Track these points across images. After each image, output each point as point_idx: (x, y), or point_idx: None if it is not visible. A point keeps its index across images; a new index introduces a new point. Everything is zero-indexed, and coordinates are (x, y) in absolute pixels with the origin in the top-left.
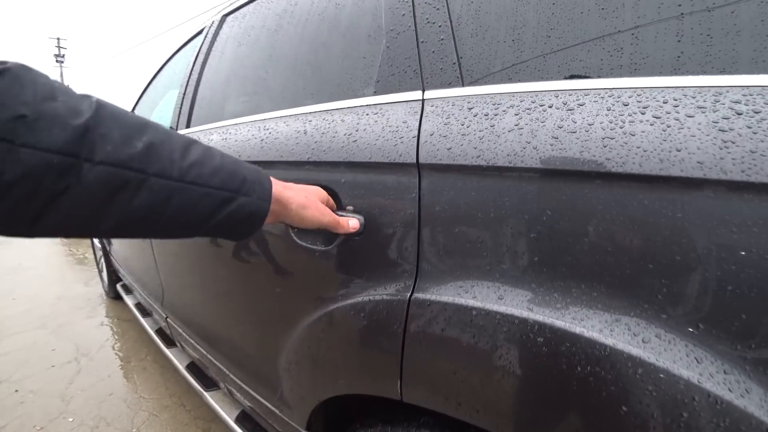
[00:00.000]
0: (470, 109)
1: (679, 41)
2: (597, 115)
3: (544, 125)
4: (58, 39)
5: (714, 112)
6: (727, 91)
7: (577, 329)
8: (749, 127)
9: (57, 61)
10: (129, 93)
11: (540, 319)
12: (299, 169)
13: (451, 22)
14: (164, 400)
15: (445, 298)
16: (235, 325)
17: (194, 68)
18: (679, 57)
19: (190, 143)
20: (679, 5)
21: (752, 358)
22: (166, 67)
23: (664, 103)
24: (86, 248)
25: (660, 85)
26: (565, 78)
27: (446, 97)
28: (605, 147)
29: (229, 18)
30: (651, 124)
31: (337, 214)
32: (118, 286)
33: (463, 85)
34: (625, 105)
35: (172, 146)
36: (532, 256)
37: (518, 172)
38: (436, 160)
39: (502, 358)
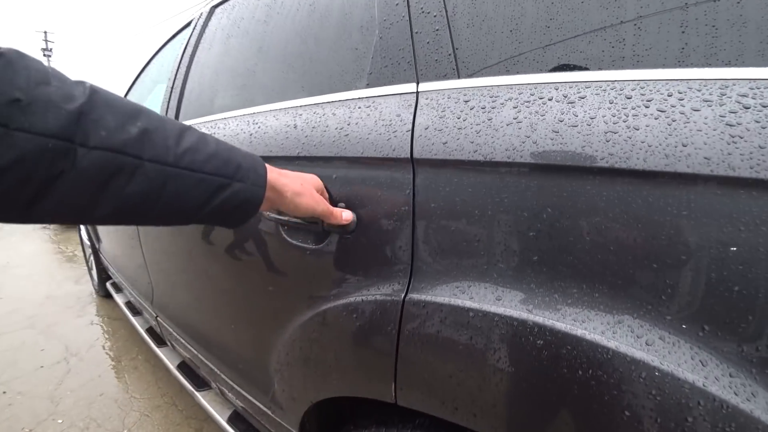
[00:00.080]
0: (466, 102)
1: (683, 32)
2: (599, 108)
3: (544, 119)
4: (45, 32)
5: (721, 105)
6: (734, 84)
7: (579, 331)
8: (757, 122)
9: (44, 54)
10: (117, 87)
11: (540, 320)
12: (290, 164)
13: (446, 11)
14: (156, 399)
15: (440, 299)
16: (225, 324)
17: (182, 61)
18: (683, 49)
19: (185, 129)
20: None
21: (758, 360)
22: (154, 61)
23: (668, 96)
24: (75, 246)
25: (664, 78)
26: (566, 70)
27: (441, 89)
28: (608, 142)
29: (218, 9)
30: (655, 118)
31: None
32: (108, 285)
33: (459, 78)
34: (628, 98)
35: (167, 132)
36: (531, 256)
37: (517, 167)
38: (431, 155)
39: (500, 362)
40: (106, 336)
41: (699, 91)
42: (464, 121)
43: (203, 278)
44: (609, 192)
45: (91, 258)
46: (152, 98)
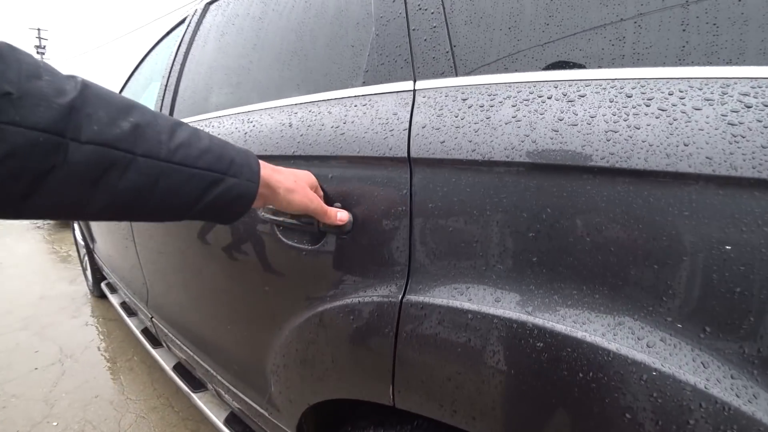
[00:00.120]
0: (464, 100)
1: (684, 30)
2: (599, 107)
3: (544, 117)
4: (39, 30)
5: (722, 104)
6: (735, 83)
7: (579, 333)
8: (759, 121)
9: (38, 52)
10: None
11: (539, 322)
12: (285, 163)
13: (444, 8)
14: (152, 401)
15: (439, 300)
16: (221, 325)
17: (176, 59)
18: (683, 47)
19: (178, 125)
20: None
21: (760, 362)
22: (148, 59)
23: (669, 94)
24: (70, 246)
25: (665, 76)
26: (565, 68)
27: (439, 87)
28: (608, 141)
29: (213, 6)
30: (656, 117)
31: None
32: (103, 285)
33: (456, 75)
34: (629, 96)
35: (159, 127)
36: (530, 256)
37: (516, 167)
38: (428, 154)
39: (499, 364)
40: (101, 337)
41: (700, 89)
42: (462, 119)
43: (198, 279)
44: (610, 192)
45: (86, 258)
46: (146, 96)
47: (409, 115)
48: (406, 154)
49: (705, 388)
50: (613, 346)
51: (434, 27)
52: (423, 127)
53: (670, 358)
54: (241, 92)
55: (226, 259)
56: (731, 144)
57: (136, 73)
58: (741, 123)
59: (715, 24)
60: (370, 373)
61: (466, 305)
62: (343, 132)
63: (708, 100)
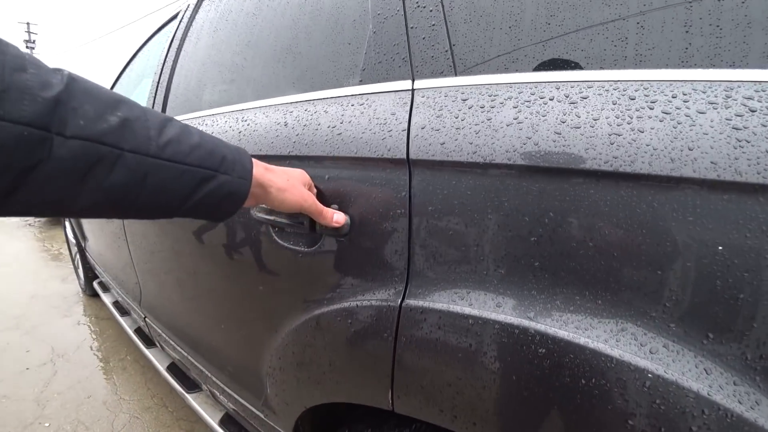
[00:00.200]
0: (464, 100)
1: (687, 32)
2: (602, 109)
3: (546, 119)
4: (28, 24)
5: (726, 108)
6: (739, 87)
7: (581, 339)
8: (764, 126)
9: (27, 47)
10: (103, 81)
11: (541, 328)
12: (279, 163)
13: (443, 6)
14: (145, 401)
15: (439, 305)
16: (216, 326)
17: (169, 55)
18: (686, 49)
19: (168, 120)
20: None
21: (762, 368)
22: (139, 54)
23: (673, 97)
24: (61, 244)
25: (668, 79)
26: (566, 68)
27: (438, 87)
28: (612, 144)
29: (206, 1)
30: (660, 121)
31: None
32: (95, 284)
33: (456, 75)
34: (632, 99)
35: (149, 123)
36: (532, 261)
37: (518, 170)
38: (428, 156)
39: (500, 370)
40: (94, 336)
41: (704, 92)
42: (462, 120)
43: (192, 279)
44: (613, 197)
45: (77, 256)
46: (138, 93)
47: (407, 116)
48: (404, 156)
49: (708, 394)
50: (616, 353)
51: (433, 25)
52: (422, 128)
53: (673, 365)
54: (235, 90)
55: (220, 259)
56: (736, 149)
57: (127, 69)
58: (745, 127)
59: (718, 26)
60: (368, 378)
61: (467, 310)
62: (339, 132)
63: (712, 103)
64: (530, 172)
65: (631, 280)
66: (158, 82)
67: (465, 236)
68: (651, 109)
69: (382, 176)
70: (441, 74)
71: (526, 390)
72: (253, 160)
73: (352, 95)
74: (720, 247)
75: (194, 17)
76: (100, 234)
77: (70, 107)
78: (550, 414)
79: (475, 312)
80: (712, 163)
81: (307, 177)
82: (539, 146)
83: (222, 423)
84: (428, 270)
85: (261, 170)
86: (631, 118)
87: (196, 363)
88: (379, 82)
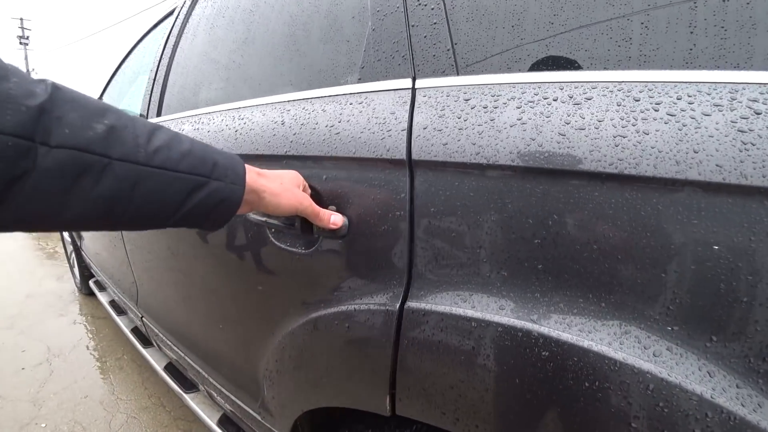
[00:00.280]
0: (467, 100)
1: (691, 33)
2: (607, 110)
3: (550, 120)
4: (22, 20)
5: (731, 110)
6: (744, 88)
7: (585, 342)
8: None
9: (21, 43)
10: (98, 78)
11: (545, 331)
12: (276, 163)
13: (444, 4)
14: (143, 401)
15: (441, 308)
16: (213, 327)
17: (165, 52)
18: (691, 50)
19: (157, 128)
20: None
21: (765, 371)
22: (135, 51)
23: (678, 99)
24: (57, 242)
25: (672, 80)
26: (570, 69)
27: (440, 86)
28: (617, 146)
29: None
30: (665, 123)
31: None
32: (91, 283)
33: (458, 74)
34: (637, 100)
35: (137, 130)
36: (535, 263)
37: (522, 171)
38: (430, 157)
39: (503, 373)
40: (90, 336)
41: (709, 94)
42: (465, 121)
43: (189, 279)
44: (618, 199)
45: (73, 255)
46: (134, 90)
47: (407, 115)
48: (404, 156)
49: (711, 397)
50: (619, 356)
51: (435, 23)
52: (424, 128)
53: (676, 368)
54: (232, 88)
55: (217, 260)
56: (741, 152)
57: (123, 66)
58: (751, 130)
59: (723, 27)
60: (366, 383)
61: (470, 312)
62: (338, 131)
63: (717, 105)
64: (534, 174)
65: (634, 283)
66: (154, 80)
67: (467, 238)
68: (656, 110)
69: (381, 177)
70: (443, 73)
71: (528, 393)
72: (246, 165)
73: (351, 93)
74: (724, 251)
75: (191, 14)
76: (97, 232)
77: (55, 116)
78: (553, 417)
79: (477, 314)
80: (717, 166)
81: (301, 178)
82: (543, 147)
83: (220, 423)
84: (430, 272)
85: (254, 176)
86: (636, 120)
87: (193, 364)
88: (378, 80)
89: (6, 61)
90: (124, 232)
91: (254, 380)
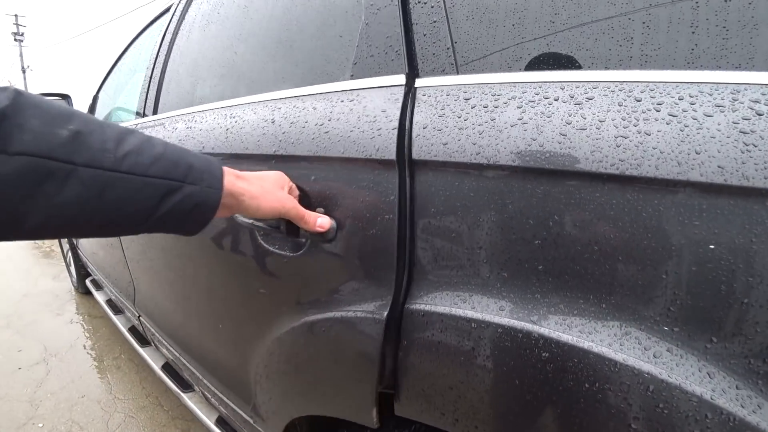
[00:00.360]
0: (467, 100)
1: (693, 32)
2: (608, 111)
3: (551, 120)
4: (16, 16)
5: (733, 111)
6: (745, 89)
7: (585, 343)
8: None
9: (15, 39)
10: (95, 76)
11: (545, 332)
12: (265, 163)
13: (444, 2)
14: (141, 400)
15: (441, 309)
16: (206, 329)
17: (161, 49)
18: (693, 50)
19: (128, 132)
20: None
21: (765, 372)
22: (132, 48)
23: (679, 99)
24: (53, 240)
25: (674, 80)
26: (571, 68)
27: (440, 85)
28: (618, 147)
29: None
30: (667, 123)
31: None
32: (88, 282)
33: (458, 73)
34: (638, 101)
35: (105, 135)
36: (535, 264)
37: (523, 172)
38: (430, 157)
39: (503, 374)
40: (87, 335)
41: (711, 95)
42: (465, 120)
43: (183, 280)
44: (619, 200)
45: (69, 254)
46: (130, 88)
47: (398, 113)
48: (394, 156)
49: (711, 398)
50: (619, 357)
51: (434, 22)
52: (424, 128)
53: (676, 369)
54: (226, 85)
55: (210, 261)
56: (743, 153)
57: (119, 64)
58: (753, 131)
59: (724, 27)
60: (353, 394)
61: (470, 313)
62: (327, 130)
63: (719, 106)
64: (535, 174)
65: (635, 284)
66: (150, 77)
67: (467, 238)
68: (657, 111)
69: (371, 178)
70: (443, 72)
71: (528, 394)
72: (225, 168)
73: (342, 91)
74: (725, 252)
75: (187, 10)
76: None
77: (15, 123)
78: (553, 418)
79: (477, 315)
80: (719, 167)
81: (286, 179)
82: (544, 148)
83: (218, 423)
84: (430, 273)
85: (232, 178)
86: (638, 121)
87: (188, 364)
88: (370, 76)
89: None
90: None
91: (246, 384)
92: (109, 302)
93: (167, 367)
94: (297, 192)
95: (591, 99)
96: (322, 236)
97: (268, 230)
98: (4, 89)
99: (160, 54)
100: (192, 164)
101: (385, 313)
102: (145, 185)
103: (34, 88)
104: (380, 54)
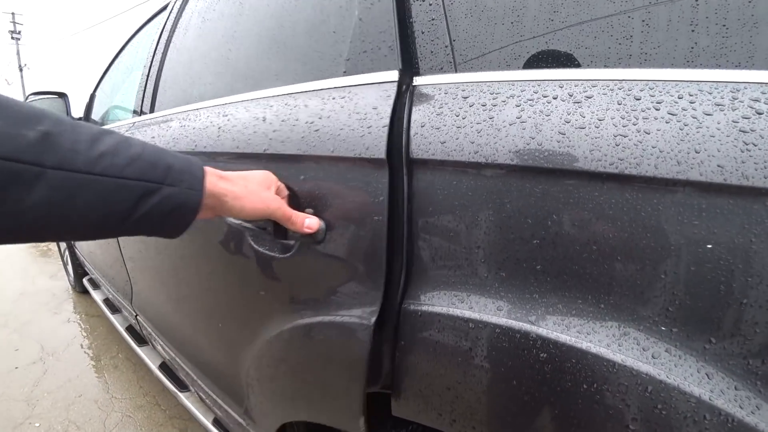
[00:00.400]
0: (465, 98)
1: (692, 30)
2: (607, 109)
3: (549, 119)
4: (13, 14)
5: (733, 110)
6: (745, 88)
7: (583, 344)
8: None
9: (12, 37)
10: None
11: (543, 332)
12: (255, 162)
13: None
14: (138, 399)
15: (438, 309)
16: (200, 330)
17: (158, 47)
18: (692, 48)
19: (104, 133)
20: None
21: (763, 373)
22: (129, 46)
23: (679, 98)
24: None
25: (674, 78)
26: (569, 66)
27: (438, 83)
28: (618, 146)
29: None
30: (667, 122)
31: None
32: (85, 281)
33: (456, 71)
34: (637, 99)
35: (77, 136)
36: (534, 264)
37: (521, 170)
38: (428, 155)
39: (501, 374)
40: (84, 334)
41: (710, 93)
42: (464, 119)
43: (177, 279)
44: (618, 199)
45: (66, 253)
46: (128, 86)
47: (390, 110)
48: (384, 155)
49: (709, 399)
50: (618, 357)
51: (433, 19)
52: (422, 126)
53: (675, 369)
54: (221, 83)
55: (202, 261)
56: (743, 152)
57: (117, 61)
58: (753, 130)
59: (724, 25)
60: (341, 401)
61: (467, 313)
62: (317, 128)
63: (718, 105)
64: (533, 173)
65: (634, 284)
66: (148, 75)
67: (465, 238)
68: (657, 110)
69: (360, 178)
70: (441, 70)
71: (526, 394)
72: (207, 168)
73: (334, 88)
74: (725, 252)
75: (184, 8)
76: None
77: None
78: (551, 419)
79: (475, 315)
80: (718, 166)
81: (273, 179)
82: (543, 146)
83: (216, 422)
84: (428, 272)
85: (214, 179)
86: (637, 119)
87: (183, 365)
88: (363, 72)
89: None
90: None
91: (239, 386)
92: (107, 301)
93: (164, 367)
94: (286, 192)
95: (590, 97)
96: (311, 238)
97: (256, 231)
98: None
99: (157, 52)
100: (171, 165)
101: (374, 319)
102: (120, 187)
103: (32, 86)
104: (373, 50)
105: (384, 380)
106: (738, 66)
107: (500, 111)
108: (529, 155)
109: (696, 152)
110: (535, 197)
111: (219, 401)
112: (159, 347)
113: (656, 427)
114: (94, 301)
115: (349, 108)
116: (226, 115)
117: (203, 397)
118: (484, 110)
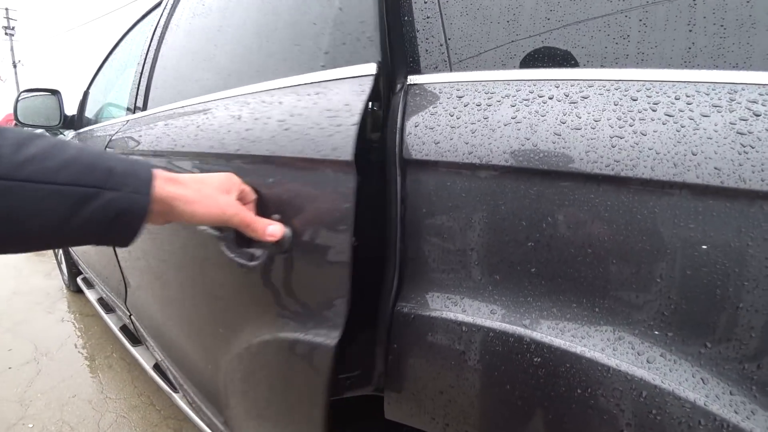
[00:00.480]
0: (460, 97)
1: (690, 31)
2: (603, 110)
3: (545, 120)
4: (7, 9)
5: (730, 112)
6: (743, 89)
7: (578, 348)
8: None
9: (6, 33)
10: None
11: (537, 336)
12: (227, 164)
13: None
14: (132, 399)
15: (431, 312)
16: (184, 334)
17: (152, 43)
18: (690, 48)
19: (35, 137)
20: None
21: (758, 378)
22: (123, 43)
23: (676, 99)
24: None
25: (670, 79)
26: (566, 66)
27: (432, 83)
28: (614, 147)
29: None
30: (663, 123)
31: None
32: (79, 280)
33: (450, 70)
34: (634, 100)
35: (2, 140)
36: (528, 267)
37: (516, 172)
38: (422, 156)
39: (494, 379)
40: (78, 333)
41: (707, 95)
42: (458, 119)
43: (163, 281)
44: (613, 201)
45: (60, 252)
46: (121, 83)
47: (362, 105)
48: (350, 157)
49: (704, 404)
50: (612, 362)
51: (428, 18)
52: (416, 126)
53: (669, 374)
54: (207, 79)
55: (184, 264)
56: (740, 154)
57: (110, 58)
58: (750, 132)
59: (722, 26)
60: (300, 425)
61: (461, 317)
62: (287, 127)
63: (716, 106)
64: (528, 175)
65: (629, 288)
66: (141, 73)
67: (459, 240)
68: (653, 111)
69: (326, 182)
70: (435, 69)
71: (520, 399)
72: (156, 171)
73: (311, 83)
74: (721, 256)
75: (177, 4)
76: None
77: None
78: (545, 423)
79: (468, 319)
80: (715, 168)
81: (235, 182)
82: (538, 147)
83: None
84: (421, 275)
85: (163, 183)
86: (633, 120)
87: (170, 367)
88: (341, 66)
89: None
90: None
91: (218, 394)
92: (101, 301)
93: (159, 367)
94: (253, 197)
95: (586, 98)
96: (277, 246)
97: (221, 237)
98: None
99: (150, 49)
100: (112, 168)
101: (336, 340)
102: (51, 193)
103: (26, 82)
104: (352, 41)
105: (377, 383)
106: (735, 67)
107: (495, 111)
108: (524, 156)
109: (693, 154)
110: (529, 199)
111: (203, 407)
112: (151, 348)
113: None
114: (88, 301)
115: (321, 105)
116: (206, 113)
117: (189, 401)
118: (478, 110)
